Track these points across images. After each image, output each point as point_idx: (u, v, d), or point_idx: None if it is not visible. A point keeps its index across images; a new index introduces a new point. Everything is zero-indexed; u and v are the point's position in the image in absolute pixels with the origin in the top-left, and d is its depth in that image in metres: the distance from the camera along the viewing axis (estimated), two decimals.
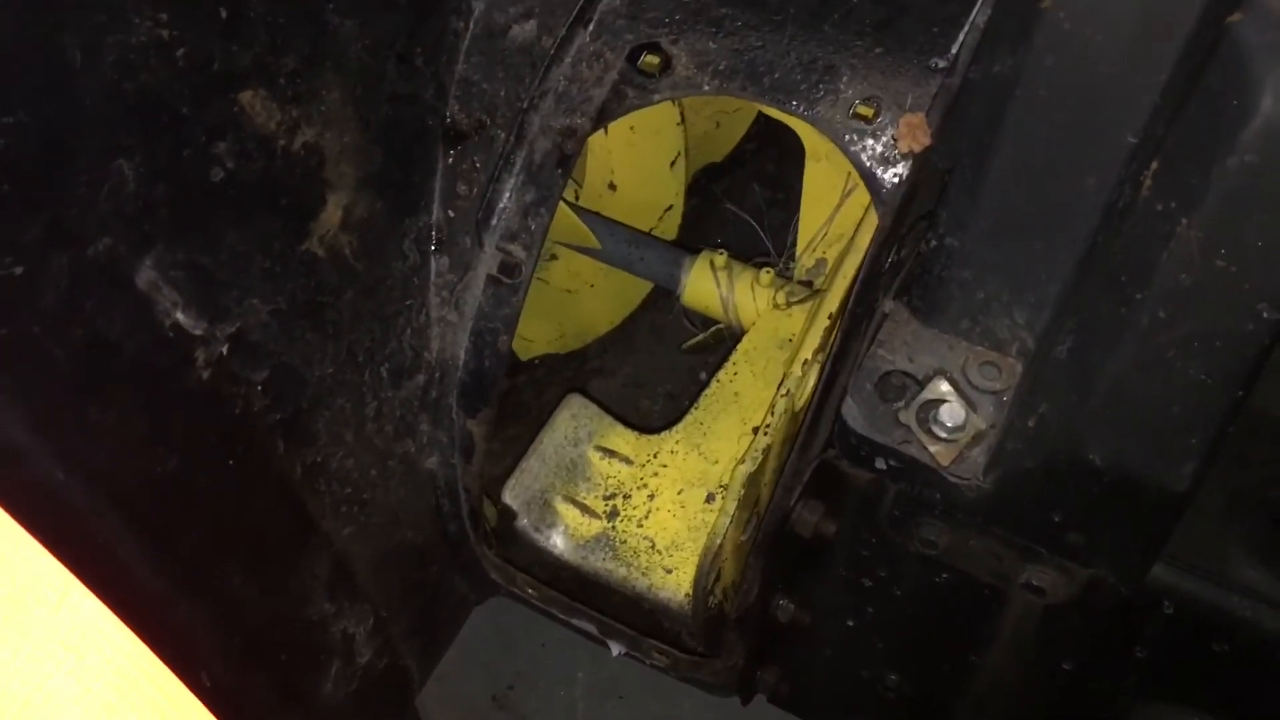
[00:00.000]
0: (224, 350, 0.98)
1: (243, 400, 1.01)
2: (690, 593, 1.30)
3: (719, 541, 1.22)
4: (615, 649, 1.30)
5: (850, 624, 1.29)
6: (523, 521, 1.36)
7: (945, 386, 1.06)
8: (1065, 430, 0.97)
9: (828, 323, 1.22)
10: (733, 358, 1.45)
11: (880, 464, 1.06)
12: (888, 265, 1.11)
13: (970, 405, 1.04)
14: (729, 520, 1.22)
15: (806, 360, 1.21)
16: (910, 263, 1.11)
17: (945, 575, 1.15)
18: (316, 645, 1.12)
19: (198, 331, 0.95)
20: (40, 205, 0.82)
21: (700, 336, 1.80)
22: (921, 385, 1.06)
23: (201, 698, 1.02)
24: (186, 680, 1.00)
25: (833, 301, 1.23)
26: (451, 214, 1.16)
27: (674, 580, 1.32)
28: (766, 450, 1.22)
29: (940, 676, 1.32)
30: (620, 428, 1.43)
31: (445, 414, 1.20)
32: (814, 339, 1.22)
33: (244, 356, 1.00)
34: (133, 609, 0.94)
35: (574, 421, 1.42)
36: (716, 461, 1.38)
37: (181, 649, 0.99)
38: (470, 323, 1.17)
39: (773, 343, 1.45)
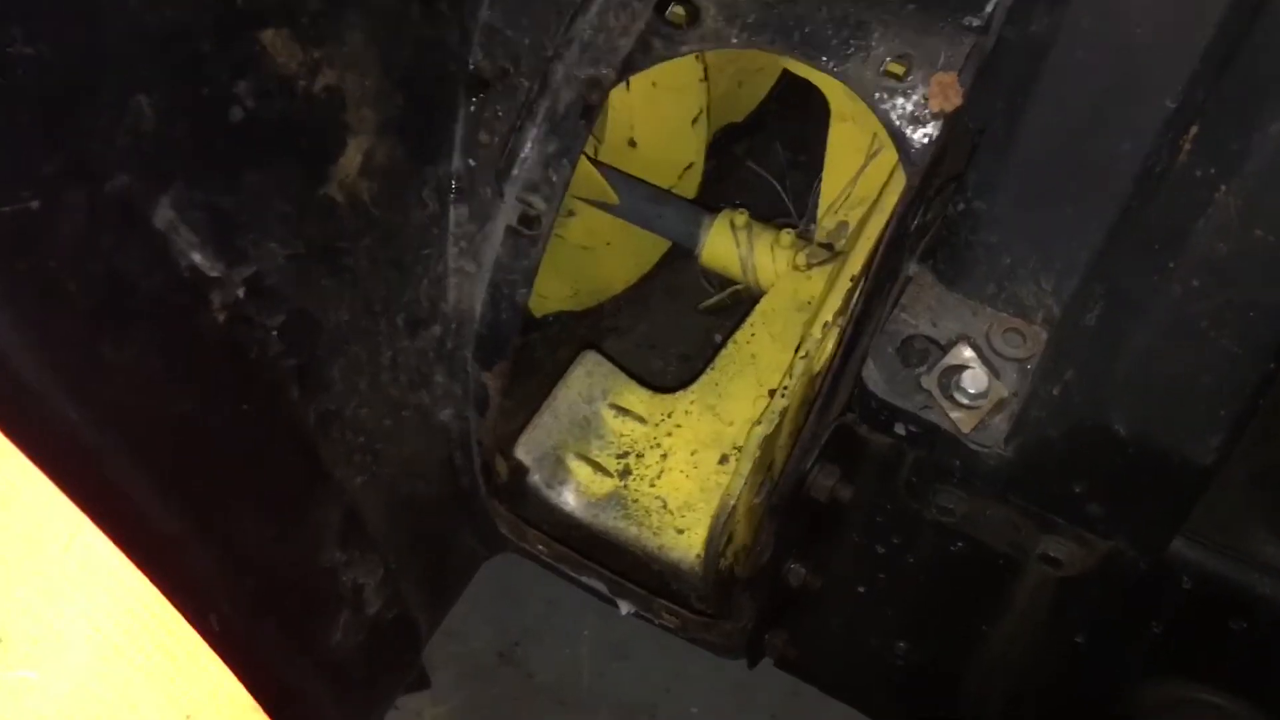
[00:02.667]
0: (240, 293, 0.97)
1: (258, 345, 1.00)
2: (701, 554, 1.30)
3: (732, 503, 1.21)
4: (624, 608, 1.30)
5: (861, 590, 1.29)
6: (534, 477, 1.35)
7: (968, 352, 1.04)
8: (1090, 399, 0.95)
9: (849, 285, 1.20)
10: (750, 319, 1.43)
11: (899, 429, 1.05)
12: (913, 228, 1.09)
13: (993, 372, 1.03)
14: (743, 482, 1.21)
15: (827, 323, 1.20)
16: (936, 226, 1.09)
17: (960, 544, 1.14)
18: (326, 593, 1.12)
19: (214, 273, 0.94)
20: (59, 139, 0.81)
21: (718, 297, 1.79)
22: (944, 350, 1.05)
23: (209, 641, 1.02)
24: (195, 623, 1.00)
25: (855, 264, 1.21)
26: (472, 163, 1.14)
27: (685, 541, 1.31)
28: (783, 413, 1.21)
29: (950, 646, 1.31)
30: (635, 386, 1.42)
31: (460, 366, 1.19)
32: (835, 301, 1.21)
33: (260, 300, 0.99)
34: (143, 550, 0.93)
35: (589, 379, 1.40)
36: (731, 423, 1.37)
37: (191, 592, 0.98)
38: (488, 274, 1.15)
39: (791, 305, 1.43)
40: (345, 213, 1.05)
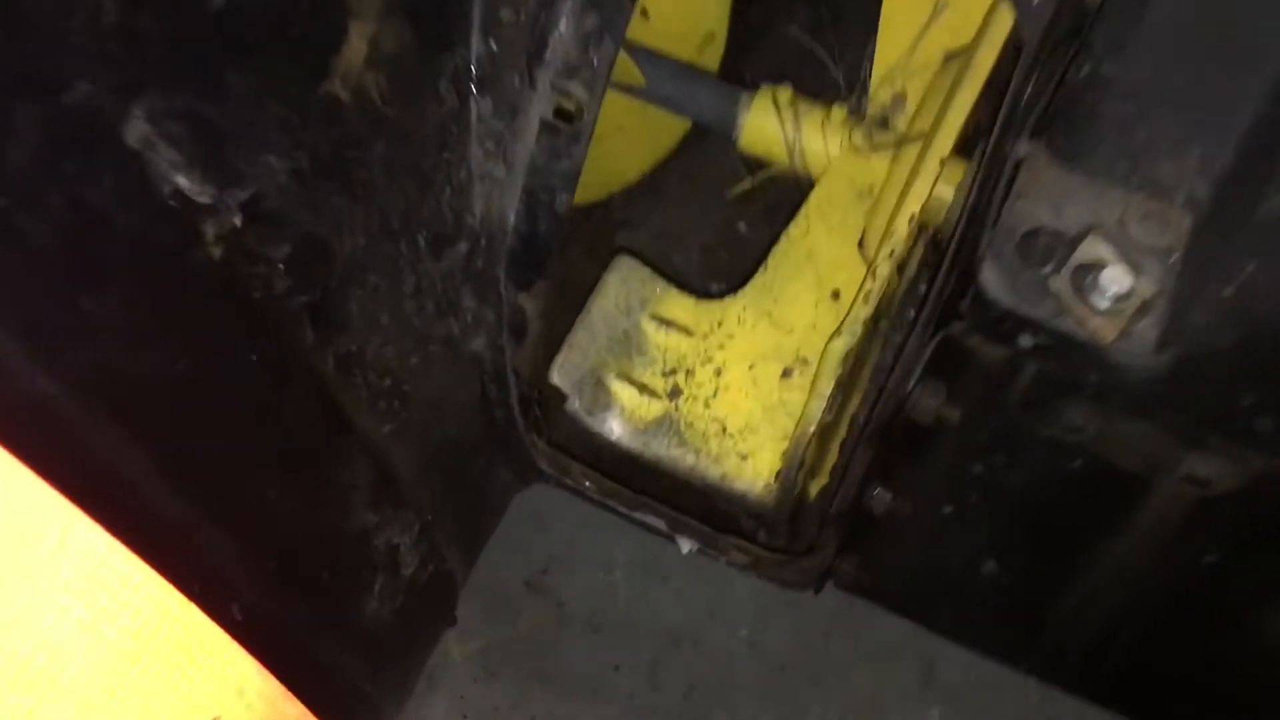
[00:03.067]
0: (237, 221, 0.79)
1: (263, 282, 0.82)
2: (770, 483, 1.15)
3: (811, 429, 1.06)
4: (685, 546, 1.15)
5: (949, 511, 1.15)
6: (574, 405, 1.19)
7: (1102, 245, 0.89)
8: (1268, 299, 0.80)
9: (936, 169, 1.03)
10: (803, 210, 1.26)
11: (1025, 341, 0.89)
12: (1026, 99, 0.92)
13: (1133, 267, 0.87)
14: (823, 404, 1.06)
15: (913, 216, 1.03)
16: (1050, 95, 0.93)
17: (1079, 461, 1.00)
18: (359, 561, 0.97)
19: (204, 199, 0.76)
20: None
21: (750, 182, 1.62)
22: (1072, 245, 0.89)
23: (233, 633, 0.87)
24: (215, 615, 0.85)
25: (943, 144, 1.04)
26: (494, 46, 0.95)
27: (750, 468, 1.16)
28: (866, 322, 1.05)
29: (1047, 566, 1.19)
30: (677, 293, 1.25)
31: (492, 287, 1.02)
32: (920, 190, 1.04)
33: (261, 228, 0.81)
34: (148, 539, 0.78)
35: (624, 287, 1.24)
36: (791, 331, 1.21)
37: (208, 581, 0.83)
38: (521, 179, 0.97)
39: (849, 192, 1.27)
40: (352, 114, 0.87)
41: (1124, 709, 1.44)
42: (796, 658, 1.60)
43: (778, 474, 1.15)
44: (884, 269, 1.05)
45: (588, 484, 1.15)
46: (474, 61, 0.96)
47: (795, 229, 1.25)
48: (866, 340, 1.08)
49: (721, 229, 1.77)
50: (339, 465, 0.92)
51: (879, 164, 1.25)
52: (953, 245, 0.92)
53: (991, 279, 0.89)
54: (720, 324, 1.23)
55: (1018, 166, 0.93)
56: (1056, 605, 1.24)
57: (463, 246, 0.99)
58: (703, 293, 1.28)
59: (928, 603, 1.36)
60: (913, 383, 0.96)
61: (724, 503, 1.17)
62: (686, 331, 1.23)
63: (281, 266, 0.84)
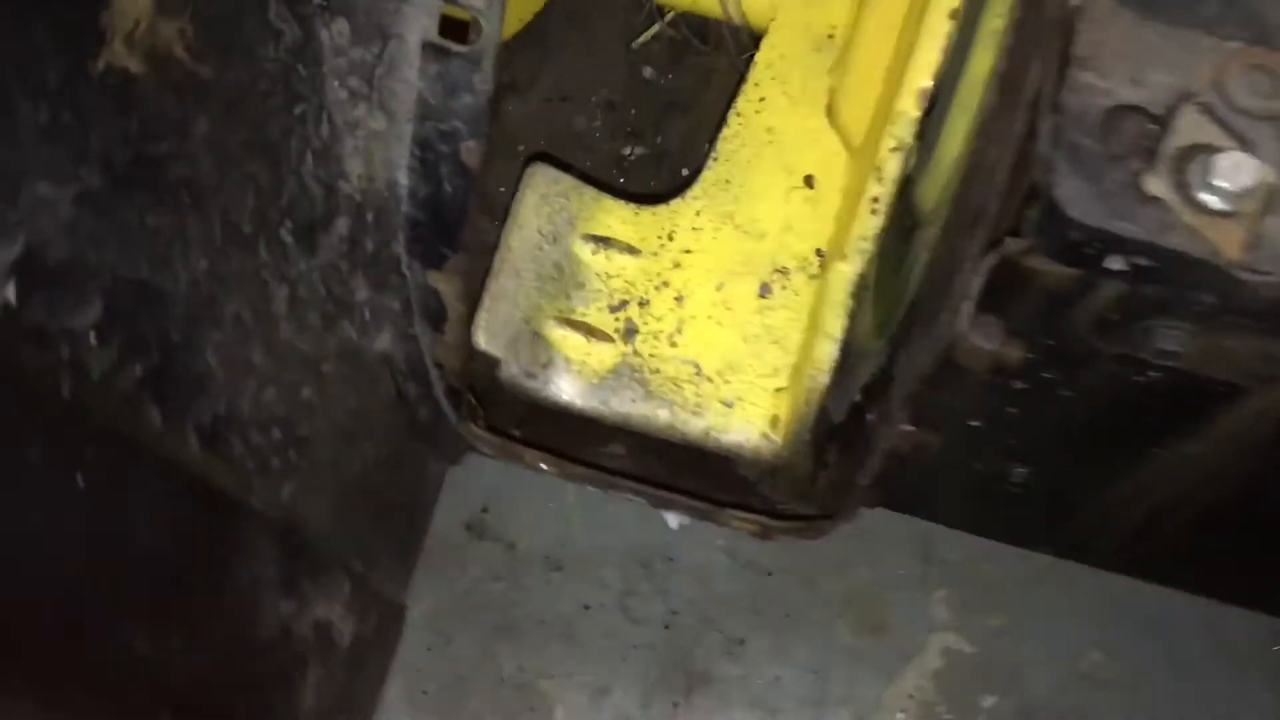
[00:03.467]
0: (9, 295, 0.52)
1: (71, 369, 0.56)
2: (767, 432, 0.94)
3: (824, 380, 0.84)
4: (674, 522, 0.94)
5: (980, 425, 0.96)
6: (511, 369, 0.95)
7: (1202, 121, 0.66)
8: None
9: (948, 25, 0.79)
10: (752, 75, 1.01)
11: (1115, 264, 0.68)
12: None
13: (1247, 146, 0.65)
14: (834, 346, 0.83)
15: (924, 89, 0.79)
16: None
17: (1161, 376, 0.80)
18: (282, 664, 0.74)
19: None
20: None
21: (656, 26, 1.34)
22: (1162, 124, 0.67)
23: None
24: None
25: None
26: None
27: (739, 417, 0.95)
28: (878, 237, 0.82)
29: (1096, 470, 1.01)
30: (610, 201, 1.00)
31: (389, 268, 0.76)
32: (928, 56, 0.79)
33: (50, 292, 0.55)
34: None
35: (544, 206, 0.98)
36: (762, 235, 0.97)
37: None
38: (408, 127, 0.70)
39: (805, 43, 1.01)
40: (150, 88, 0.59)
41: (1155, 578, 1.31)
42: (783, 562, 1.43)
43: (774, 421, 0.94)
44: (891, 166, 0.81)
45: (544, 467, 0.92)
46: None
47: (745, 103, 1.00)
48: (880, 262, 0.85)
49: (624, 79, 1.49)
50: (232, 565, 0.68)
51: (838, 3, 0.99)
52: (987, 132, 0.69)
53: (1067, 189, 0.66)
54: (671, 235, 0.99)
55: (1072, 17, 0.69)
56: (1097, 500, 1.08)
57: (341, 226, 0.73)
58: (636, 193, 1.03)
59: (940, 505, 1.20)
60: (963, 321, 0.74)
61: (715, 460, 0.95)
62: (631, 250, 0.99)
63: (92, 338, 0.57)
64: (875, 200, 0.80)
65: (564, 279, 0.97)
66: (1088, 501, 1.08)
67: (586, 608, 1.41)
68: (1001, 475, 1.05)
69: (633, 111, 1.49)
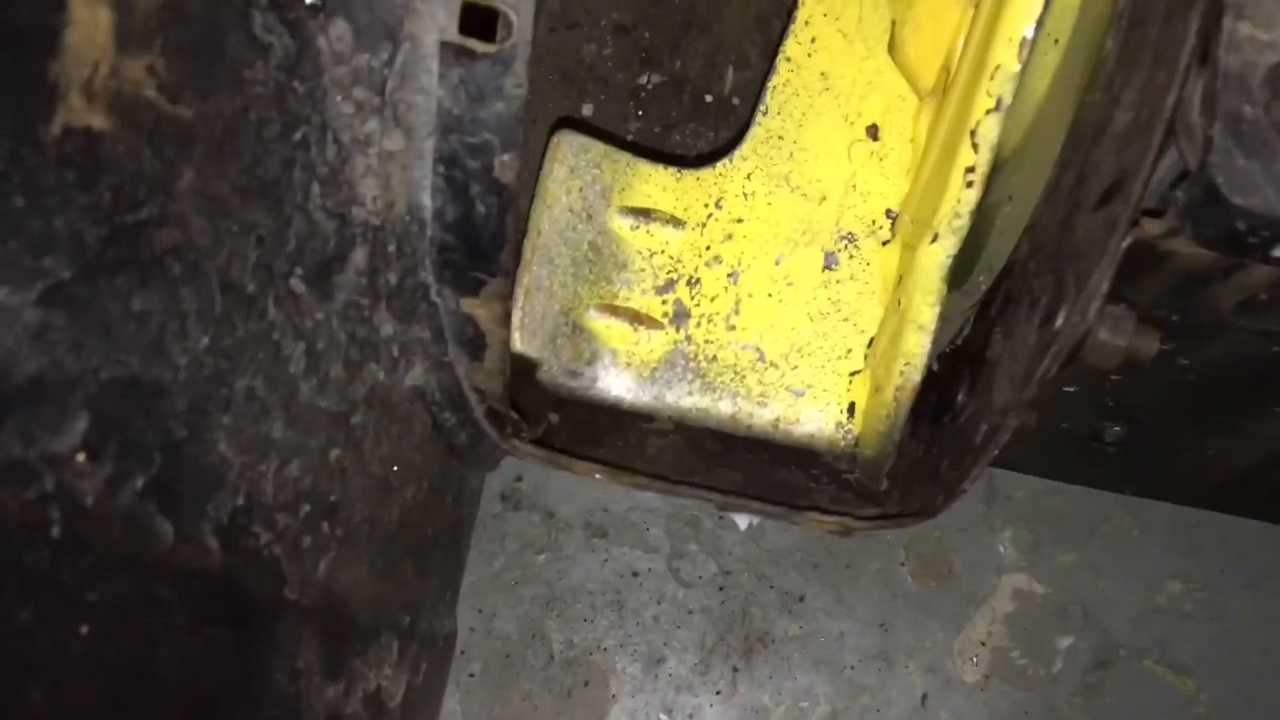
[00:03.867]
0: None
1: (59, 502, 0.46)
2: (843, 421, 0.84)
3: (916, 378, 0.74)
4: (743, 523, 0.85)
5: (1077, 390, 0.86)
6: (552, 369, 0.85)
7: None
8: None
9: None
10: (800, 12, 0.88)
11: None
12: None
13: None
14: (926, 340, 0.73)
15: (1025, 40, 0.67)
16: None
17: None
18: None
19: None
20: None
21: None
22: None
23: None
24: None
25: None
26: None
27: (812, 405, 0.85)
28: (973, 212, 0.71)
29: (1203, 429, 0.92)
30: (648, 167, 0.89)
31: (416, 297, 0.65)
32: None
33: (22, 418, 0.44)
34: None
35: (574, 180, 0.87)
36: (823, 198, 0.86)
37: None
38: (429, 142, 0.59)
39: None
40: (121, 144, 0.47)
41: (1250, 514, 1.23)
42: None
43: (850, 409, 0.84)
44: (988, 130, 0.69)
45: (599, 478, 0.83)
46: None
47: (794, 45, 0.88)
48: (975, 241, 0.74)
49: (635, 0, 1.35)
50: (270, 669, 0.59)
51: None
52: (1105, 86, 0.57)
53: (1230, 170, 0.55)
54: (720, 203, 0.87)
55: None
56: (1200, 451, 0.99)
57: (359, 258, 0.62)
58: (677, 156, 0.91)
59: (1013, 458, 1.10)
60: (1090, 318, 0.63)
61: (786, 452, 0.86)
62: (675, 222, 0.88)
63: (81, 459, 0.47)
64: (970, 170, 0.69)
65: (602, 260, 0.86)
66: (1189, 453, 0.99)
67: (635, 574, 1.34)
68: (1095, 434, 0.96)
69: (646, 35, 1.35)
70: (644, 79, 1.34)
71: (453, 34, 0.56)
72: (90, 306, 0.47)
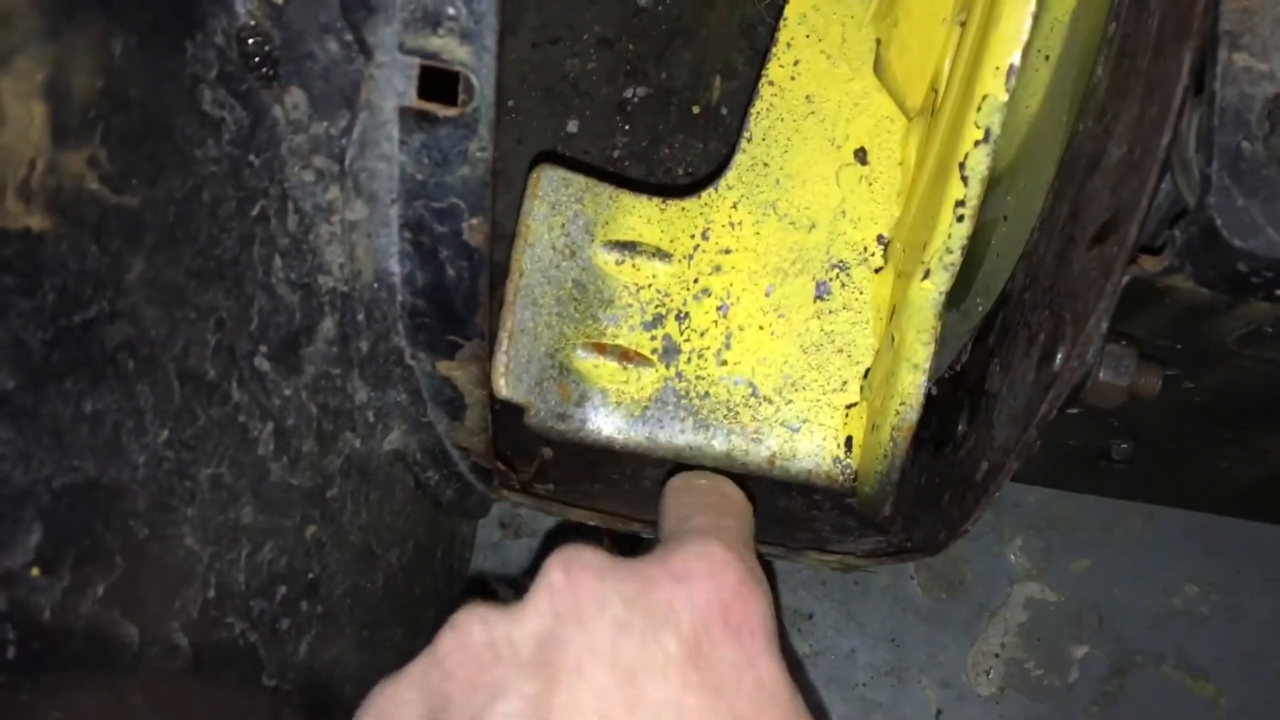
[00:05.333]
0: None
1: (14, 619, 0.44)
2: (840, 455, 0.82)
3: (911, 419, 0.72)
4: None
5: (1082, 411, 0.84)
6: (539, 413, 0.83)
7: None
8: None
9: None
10: (782, 34, 0.86)
11: None
12: None
13: None
14: (921, 378, 0.71)
15: (1008, 67, 0.64)
16: None
17: None
18: None
19: None
20: None
21: None
22: None
23: None
24: None
25: None
26: None
27: (807, 441, 0.82)
28: (964, 247, 0.68)
29: (1209, 445, 0.89)
30: (630, 199, 0.86)
31: (390, 361, 0.63)
32: (1015, 16, 0.64)
33: None
34: None
35: (556, 215, 0.84)
36: (812, 225, 0.84)
37: None
38: (394, 209, 0.57)
39: None
40: (64, 243, 0.45)
41: (1261, 518, 1.21)
42: None
43: (848, 443, 0.82)
44: (977, 162, 0.66)
45: (591, 524, 0.81)
46: (248, 33, 0.53)
47: (776, 68, 0.85)
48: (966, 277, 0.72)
49: (618, 11, 1.32)
50: None
51: None
52: (1097, 115, 0.55)
53: (1230, 210, 0.52)
54: (706, 233, 0.85)
55: None
56: (1209, 463, 0.96)
57: (327, 328, 0.60)
58: (661, 185, 0.89)
59: (1027, 471, 1.08)
60: (1090, 359, 0.61)
61: (782, 489, 0.84)
62: (660, 255, 0.85)
63: (35, 573, 0.45)
64: (960, 204, 0.67)
65: (588, 297, 0.84)
66: (1199, 466, 0.97)
67: None
68: (1102, 452, 0.93)
69: (630, 46, 1.32)
70: (629, 92, 1.31)
71: (412, 99, 0.53)
72: (38, 415, 0.44)
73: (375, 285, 0.59)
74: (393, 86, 0.53)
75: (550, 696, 0.47)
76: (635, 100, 1.31)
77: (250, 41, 0.53)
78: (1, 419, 0.43)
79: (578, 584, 0.51)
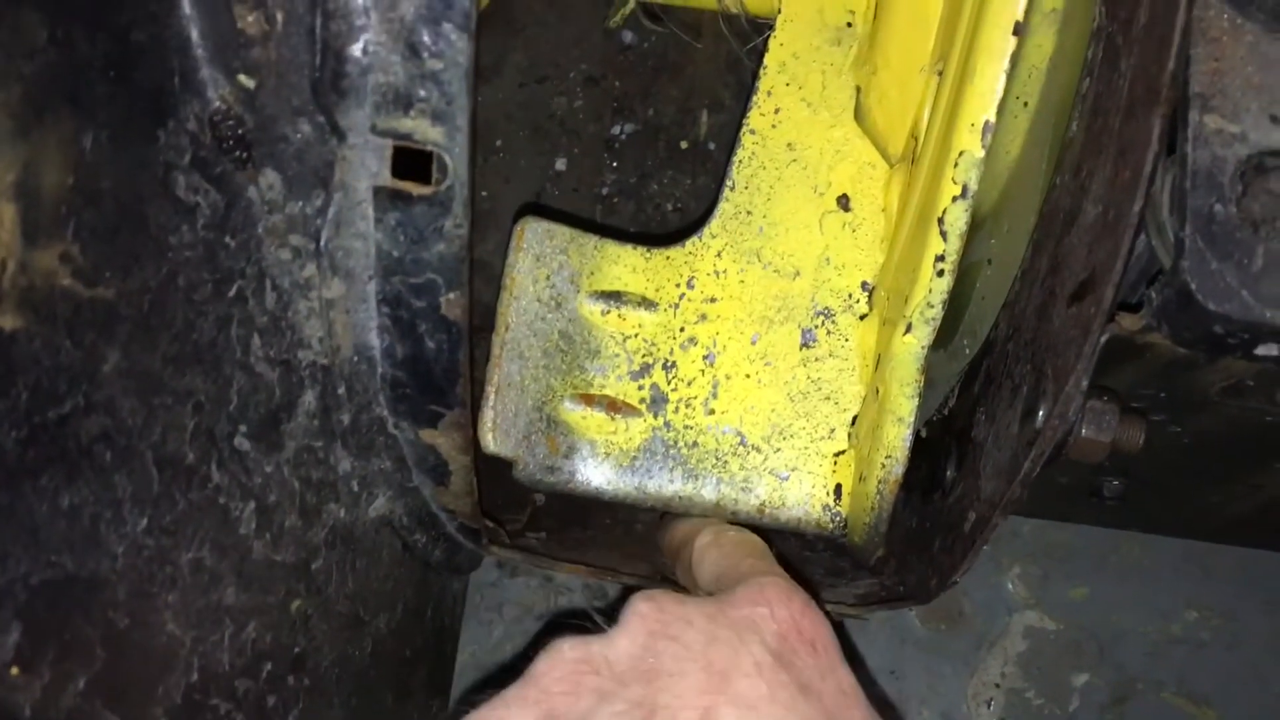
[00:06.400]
0: None
1: None
2: (830, 504, 0.82)
3: (897, 471, 0.72)
4: None
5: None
6: (526, 466, 0.83)
7: None
8: None
9: (1010, 43, 0.64)
10: (763, 83, 0.86)
11: (1273, 350, 0.54)
12: None
13: None
14: (906, 432, 0.71)
15: (987, 123, 0.64)
16: None
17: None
18: None
19: None
20: None
21: (631, 3, 1.18)
22: None
23: None
24: None
25: None
26: (248, 80, 0.52)
27: (796, 489, 0.82)
28: (944, 301, 0.68)
29: (1198, 485, 0.89)
30: (615, 248, 0.86)
31: (373, 431, 0.63)
32: (987, 76, 0.65)
33: None
34: None
35: (541, 268, 0.85)
36: (796, 273, 0.84)
37: None
38: (371, 286, 0.57)
39: (820, 36, 0.86)
40: (37, 341, 0.45)
41: (1258, 545, 1.21)
42: None
43: (836, 491, 0.82)
44: (956, 218, 0.67)
45: (583, 577, 0.81)
46: (221, 117, 0.53)
47: (757, 116, 0.85)
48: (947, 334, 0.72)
49: (603, 50, 1.33)
50: None
51: None
52: (1072, 169, 0.55)
53: (1202, 274, 0.52)
54: (691, 281, 0.85)
55: (1186, 35, 0.54)
56: (1202, 498, 0.96)
57: (308, 401, 0.60)
58: (645, 235, 0.89)
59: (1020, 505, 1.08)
60: (1073, 413, 0.61)
61: (774, 537, 0.84)
62: (646, 304, 0.85)
63: (15, 672, 0.45)
64: (940, 259, 0.67)
65: (574, 349, 0.84)
66: (1191, 501, 0.96)
67: None
68: (1093, 489, 0.93)
69: (617, 84, 1.33)
70: (617, 129, 1.32)
71: (386, 179, 0.53)
72: (14, 513, 0.45)
73: (355, 359, 0.59)
74: (366, 167, 0.53)
75: (654, 697, 0.51)
76: (623, 137, 1.32)
77: (223, 125, 0.53)
78: None
79: (664, 608, 0.55)
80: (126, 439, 0.49)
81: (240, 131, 0.53)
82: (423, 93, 0.51)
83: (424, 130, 0.52)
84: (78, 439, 0.47)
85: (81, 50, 0.47)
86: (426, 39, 0.50)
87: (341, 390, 0.60)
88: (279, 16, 0.50)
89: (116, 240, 0.48)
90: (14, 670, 0.45)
